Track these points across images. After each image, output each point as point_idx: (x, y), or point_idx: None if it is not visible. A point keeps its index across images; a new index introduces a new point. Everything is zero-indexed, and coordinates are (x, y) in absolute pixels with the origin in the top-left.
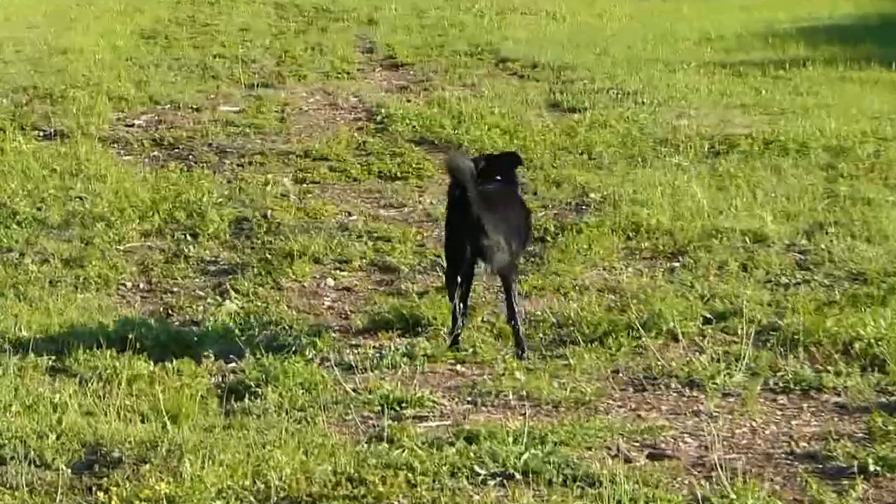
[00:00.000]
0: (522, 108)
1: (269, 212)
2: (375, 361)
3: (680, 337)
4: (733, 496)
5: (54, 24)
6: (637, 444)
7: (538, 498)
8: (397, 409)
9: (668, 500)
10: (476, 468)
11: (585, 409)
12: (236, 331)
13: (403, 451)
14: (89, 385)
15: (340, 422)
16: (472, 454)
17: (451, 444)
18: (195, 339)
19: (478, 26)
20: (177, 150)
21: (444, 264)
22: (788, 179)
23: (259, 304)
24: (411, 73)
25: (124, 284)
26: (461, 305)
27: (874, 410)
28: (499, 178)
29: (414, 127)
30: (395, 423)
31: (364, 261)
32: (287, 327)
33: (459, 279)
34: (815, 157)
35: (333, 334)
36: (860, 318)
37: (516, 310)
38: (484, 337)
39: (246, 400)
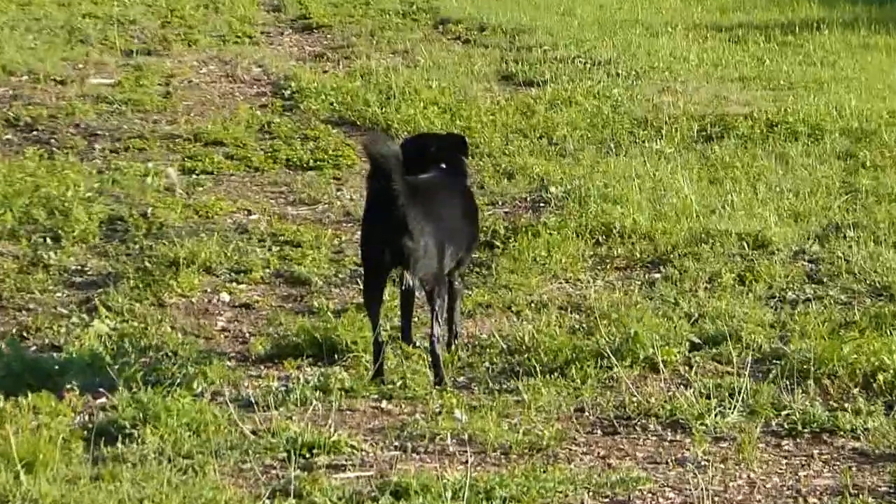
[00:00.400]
0: (467, 81)
1: (149, 209)
2: (280, 397)
3: (661, 366)
4: None
5: None
6: (606, 500)
7: None
8: (307, 455)
9: None
10: None
11: (542, 456)
12: (107, 358)
13: None
14: None
15: (236, 472)
16: None
17: (375, 501)
18: (56, 367)
19: None
20: (35, 133)
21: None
22: (797, 171)
23: (136, 324)
24: (329, 37)
25: None
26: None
27: None
28: (442, 165)
29: (331, 104)
30: (305, 473)
31: (267, 271)
32: (170, 354)
33: (379, 293)
34: (830, 142)
35: (228, 363)
36: (885, 344)
37: (440, 327)
38: (416, 366)
39: (119, 444)
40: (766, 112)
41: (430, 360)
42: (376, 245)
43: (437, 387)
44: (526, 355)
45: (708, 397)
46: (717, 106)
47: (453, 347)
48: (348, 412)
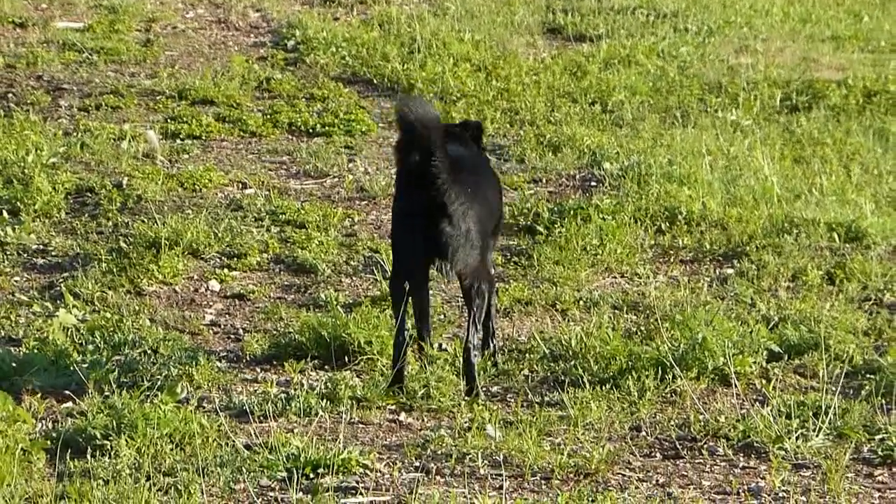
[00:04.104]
0: (506, 34)
1: (124, 179)
2: (280, 405)
3: (733, 379)
4: None
5: None
6: None
7: None
8: (311, 476)
9: None
10: None
11: (590, 482)
12: (75, 355)
13: None
14: None
15: (227, 493)
16: None
17: None
18: (14, 365)
19: None
20: None
21: (389, 263)
22: None
23: (109, 315)
24: None
25: None
26: (420, 327)
27: None
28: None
29: (343, 58)
30: (309, 496)
31: (265, 256)
32: (149, 351)
33: (410, 286)
34: None
35: (218, 364)
36: None
37: (477, 332)
38: (442, 373)
39: (88, 457)
40: (863, 79)
41: (463, 367)
42: (412, 231)
43: (466, 398)
44: (572, 362)
45: (788, 417)
46: (805, 70)
47: (487, 353)
48: (360, 425)
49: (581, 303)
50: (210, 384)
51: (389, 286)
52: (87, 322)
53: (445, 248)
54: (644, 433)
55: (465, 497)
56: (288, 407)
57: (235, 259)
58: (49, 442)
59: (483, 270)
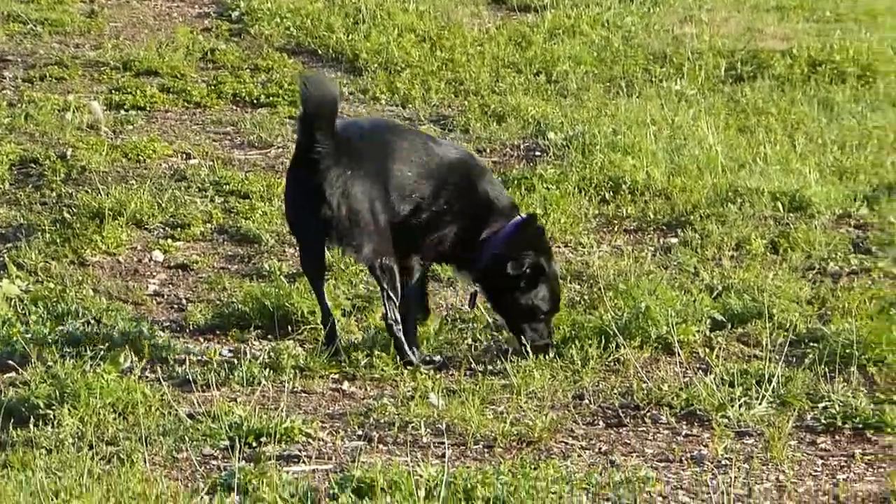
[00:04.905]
0: (451, 4)
1: (68, 150)
2: (223, 374)
3: (676, 348)
4: None
5: None
6: (608, 503)
7: None
8: (254, 444)
9: None
10: None
11: (533, 450)
12: (18, 325)
13: None
14: None
15: (170, 462)
16: None
17: (334, 499)
18: None
19: None
20: None
21: None
22: (843, 119)
23: (52, 286)
24: None
25: None
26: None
27: None
28: None
29: (288, 29)
30: (251, 465)
31: (209, 226)
32: (93, 321)
33: (316, 261)
34: (885, 86)
35: (161, 333)
36: None
37: (394, 306)
38: (385, 341)
39: (31, 427)
40: (807, 49)
41: (393, 342)
42: (300, 210)
43: (408, 367)
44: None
45: (731, 385)
46: (750, 40)
47: (430, 323)
48: (303, 394)
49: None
50: (153, 354)
51: (301, 266)
52: (30, 292)
53: (328, 231)
54: (587, 401)
55: (407, 465)
56: (231, 376)
57: (179, 229)
58: None
59: (380, 250)
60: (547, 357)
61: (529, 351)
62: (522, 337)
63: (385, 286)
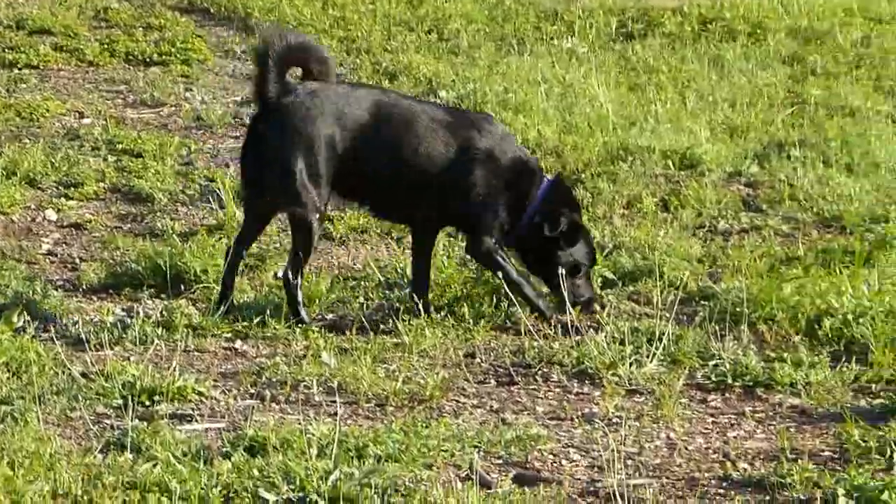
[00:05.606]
0: None
1: None
2: (116, 333)
3: (567, 306)
4: None
5: None
6: (500, 461)
7: None
8: (147, 403)
9: None
10: (262, 492)
11: (425, 408)
12: None
13: (155, 464)
14: None
15: (63, 420)
16: (256, 472)
17: (227, 457)
18: None
19: None
20: None
21: (226, 192)
22: (734, 77)
23: None
24: None
25: None
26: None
27: (848, 418)
28: None
29: None
30: (144, 423)
31: (102, 185)
32: None
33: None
34: (774, 44)
35: (55, 292)
36: (832, 284)
37: (300, 263)
38: (277, 300)
39: None
40: (698, 6)
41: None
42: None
43: (299, 325)
44: (408, 290)
45: (622, 343)
46: None
47: (318, 280)
48: (196, 353)
49: None
50: (47, 313)
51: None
52: None
53: (257, 177)
54: (479, 360)
55: (299, 423)
56: (124, 335)
57: (72, 188)
58: None
59: (305, 206)
60: (593, 312)
61: (568, 308)
62: (565, 295)
63: (307, 245)
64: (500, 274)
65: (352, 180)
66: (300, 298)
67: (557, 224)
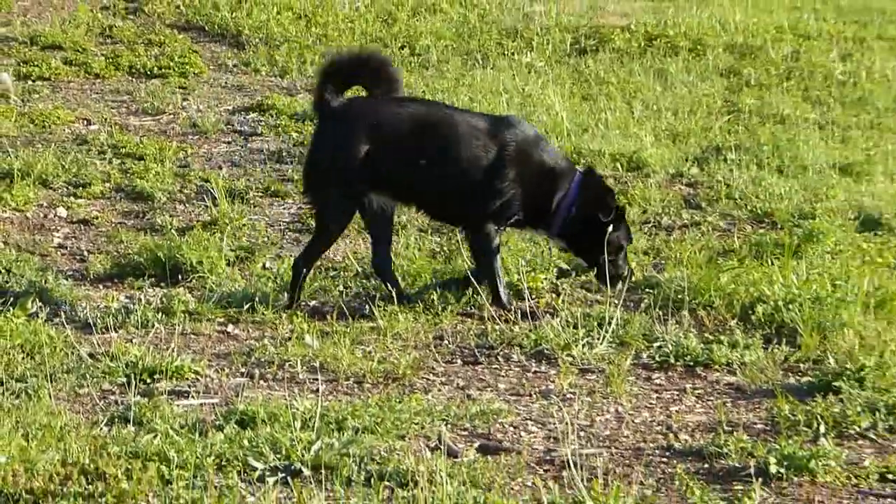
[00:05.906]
0: None
1: None
2: (120, 318)
3: (525, 294)
4: (590, 503)
5: None
6: (465, 433)
7: (332, 501)
8: (148, 381)
9: None
10: (252, 461)
11: (398, 386)
12: None
13: (155, 436)
14: None
15: (73, 397)
16: (246, 442)
17: (220, 429)
18: None
19: None
20: None
21: (219, 191)
22: (676, 88)
23: None
24: None
25: None
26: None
27: (779, 394)
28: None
29: (178, 7)
30: (145, 399)
31: (108, 185)
32: (3, 271)
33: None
34: (712, 58)
35: (65, 281)
36: (765, 274)
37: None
38: (265, 288)
39: None
40: (644, 24)
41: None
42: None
43: (285, 311)
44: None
45: (575, 327)
46: (593, 17)
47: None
48: (192, 336)
49: None
50: (58, 300)
51: None
52: None
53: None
54: (446, 342)
55: (285, 399)
56: (127, 320)
57: (81, 188)
58: None
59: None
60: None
61: (610, 283)
62: (606, 270)
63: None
64: (487, 260)
65: (398, 186)
66: (299, 286)
67: (610, 210)
